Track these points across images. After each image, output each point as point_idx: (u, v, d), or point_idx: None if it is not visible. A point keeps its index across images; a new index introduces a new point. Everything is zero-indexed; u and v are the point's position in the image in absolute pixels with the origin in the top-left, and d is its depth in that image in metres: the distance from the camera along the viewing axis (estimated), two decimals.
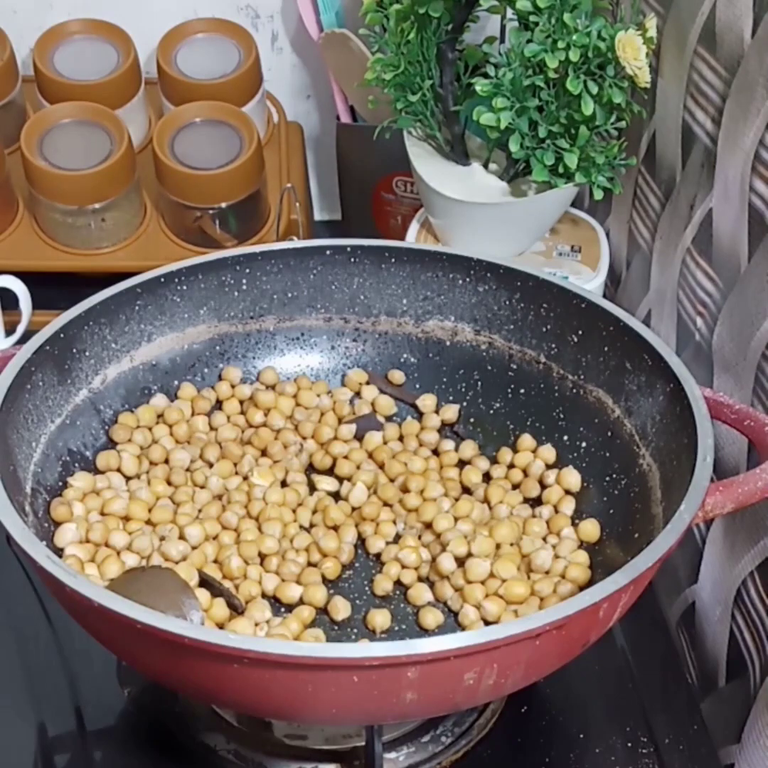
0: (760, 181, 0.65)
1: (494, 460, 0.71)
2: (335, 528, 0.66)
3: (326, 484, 0.69)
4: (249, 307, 0.73)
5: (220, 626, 0.58)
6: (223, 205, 0.95)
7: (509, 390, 0.72)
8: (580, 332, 0.69)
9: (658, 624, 0.74)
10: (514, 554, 0.63)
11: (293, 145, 1.09)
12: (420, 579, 0.64)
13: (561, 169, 0.80)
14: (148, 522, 0.64)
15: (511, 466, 0.70)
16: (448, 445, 0.72)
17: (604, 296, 0.84)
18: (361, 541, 0.66)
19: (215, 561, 0.63)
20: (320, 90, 1.14)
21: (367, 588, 0.64)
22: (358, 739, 0.61)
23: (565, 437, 0.70)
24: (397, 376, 0.75)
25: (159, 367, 0.71)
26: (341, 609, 0.61)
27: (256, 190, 0.97)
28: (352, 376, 0.75)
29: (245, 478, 0.68)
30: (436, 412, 0.73)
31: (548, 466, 0.69)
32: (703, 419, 0.58)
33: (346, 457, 0.70)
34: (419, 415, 0.74)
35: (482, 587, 0.61)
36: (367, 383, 0.75)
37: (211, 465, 0.69)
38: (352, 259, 0.73)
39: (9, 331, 0.92)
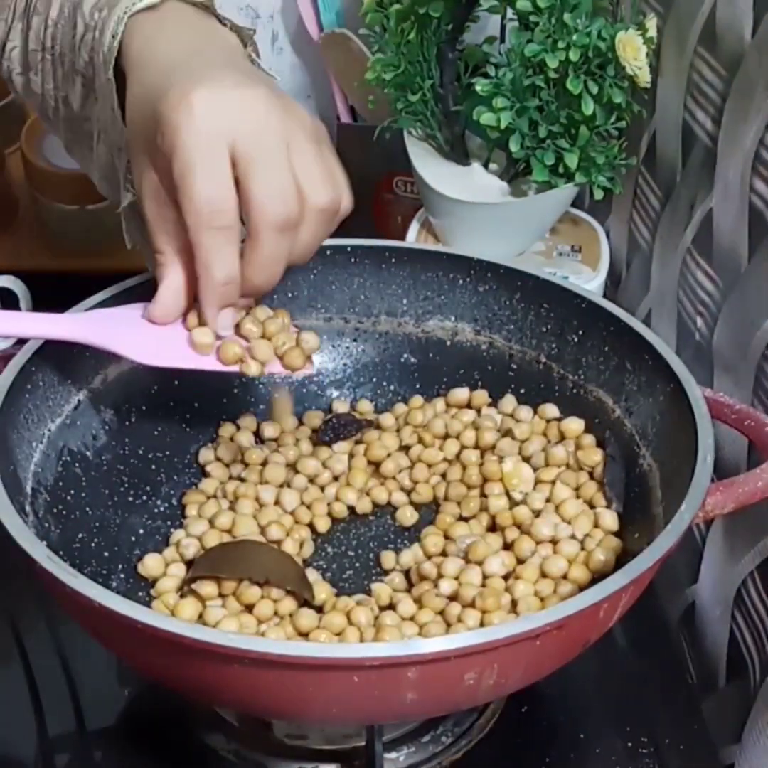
0: (760, 181, 0.65)
1: None
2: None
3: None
4: None
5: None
6: None
7: (509, 390, 0.72)
8: (580, 332, 0.69)
9: (658, 624, 0.74)
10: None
11: None
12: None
13: (561, 169, 0.80)
14: None
15: None
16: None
17: (604, 296, 0.84)
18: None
19: None
20: (320, 90, 1.14)
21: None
22: (358, 739, 0.61)
23: None
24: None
25: (159, 366, 0.71)
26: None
27: None
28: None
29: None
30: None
31: None
32: (703, 419, 0.58)
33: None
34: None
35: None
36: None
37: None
38: (352, 259, 0.73)
39: None
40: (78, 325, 0.60)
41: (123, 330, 0.61)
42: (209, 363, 0.60)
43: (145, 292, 0.68)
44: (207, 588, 0.59)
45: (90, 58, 0.63)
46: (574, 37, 0.76)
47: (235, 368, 0.61)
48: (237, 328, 0.60)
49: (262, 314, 0.62)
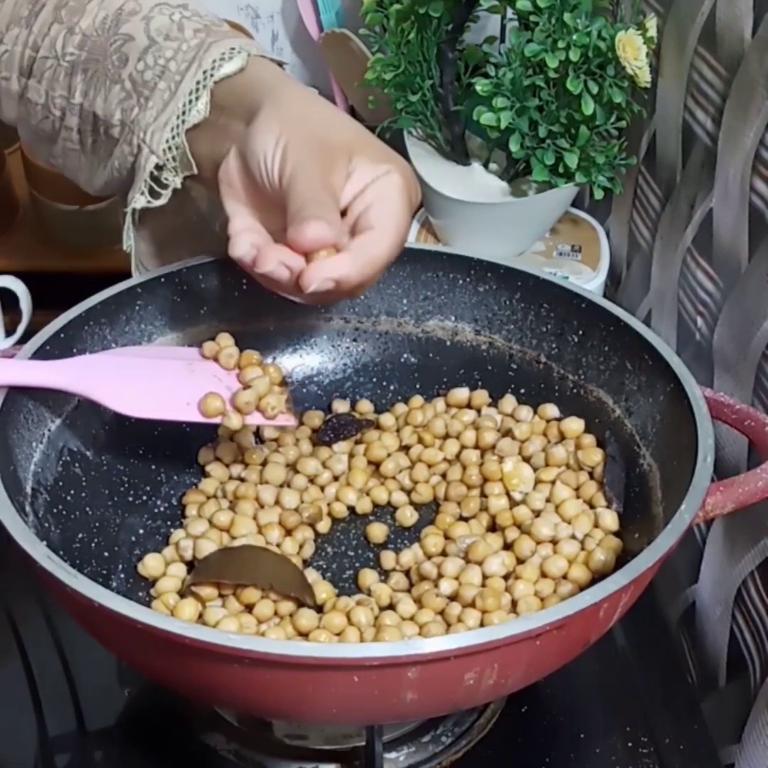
0: (760, 180, 0.65)
1: None
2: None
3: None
4: (249, 307, 0.73)
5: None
6: None
7: (509, 390, 0.72)
8: (580, 332, 0.69)
9: (658, 624, 0.74)
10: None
11: None
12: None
13: (561, 169, 0.80)
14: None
15: None
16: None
17: (604, 296, 0.84)
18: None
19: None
20: (320, 90, 1.13)
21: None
22: (358, 739, 0.61)
23: None
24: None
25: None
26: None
27: None
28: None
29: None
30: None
31: None
32: (703, 419, 0.58)
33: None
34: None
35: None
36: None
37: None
38: None
39: (9, 331, 0.92)
40: (59, 373, 0.61)
41: (105, 379, 0.61)
42: (191, 415, 0.61)
43: (145, 291, 0.69)
44: (207, 589, 0.59)
45: (161, 64, 0.64)
46: (574, 37, 0.76)
47: (216, 420, 0.62)
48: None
49: (252, 372, 0.64)
